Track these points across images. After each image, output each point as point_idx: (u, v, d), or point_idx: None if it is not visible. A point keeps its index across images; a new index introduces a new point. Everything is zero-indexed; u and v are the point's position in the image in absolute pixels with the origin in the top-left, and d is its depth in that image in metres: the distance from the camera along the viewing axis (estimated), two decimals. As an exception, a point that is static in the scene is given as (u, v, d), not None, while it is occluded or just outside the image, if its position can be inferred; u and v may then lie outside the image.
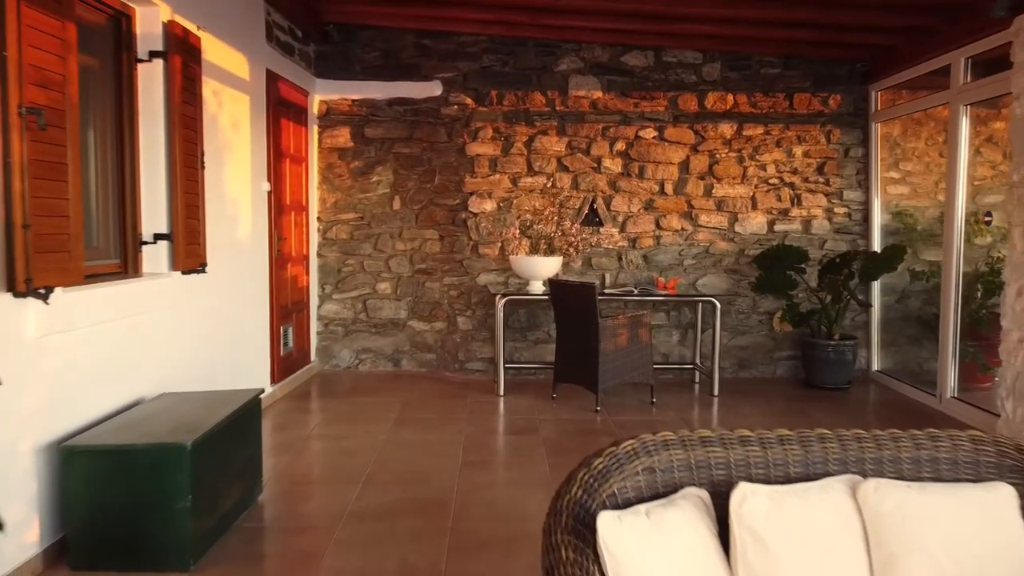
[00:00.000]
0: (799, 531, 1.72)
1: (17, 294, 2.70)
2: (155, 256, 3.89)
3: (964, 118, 5.33)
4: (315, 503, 3.77)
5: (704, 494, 1.80)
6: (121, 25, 3.73)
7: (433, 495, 3.78)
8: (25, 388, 2.78)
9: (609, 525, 1.59)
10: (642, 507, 1.69)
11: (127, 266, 3.80)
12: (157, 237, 3.87)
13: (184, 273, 4.03)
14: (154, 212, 3.88)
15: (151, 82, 3.84)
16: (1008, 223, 4.57)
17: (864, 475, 1.85)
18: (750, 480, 1.82)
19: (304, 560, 3.08)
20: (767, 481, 1.83)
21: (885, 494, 1.76)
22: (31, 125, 2.70)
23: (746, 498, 1.72)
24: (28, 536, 2.85)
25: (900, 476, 1.87)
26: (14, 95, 2.63)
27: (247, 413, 3.51)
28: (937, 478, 1.88)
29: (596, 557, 1.58)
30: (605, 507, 1.68)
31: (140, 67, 3.81)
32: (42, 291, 2.79)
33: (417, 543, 3.22)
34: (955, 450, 1.91)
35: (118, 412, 3.37)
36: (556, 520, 1.68)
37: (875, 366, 6.64)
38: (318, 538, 3.28)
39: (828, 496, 1.78)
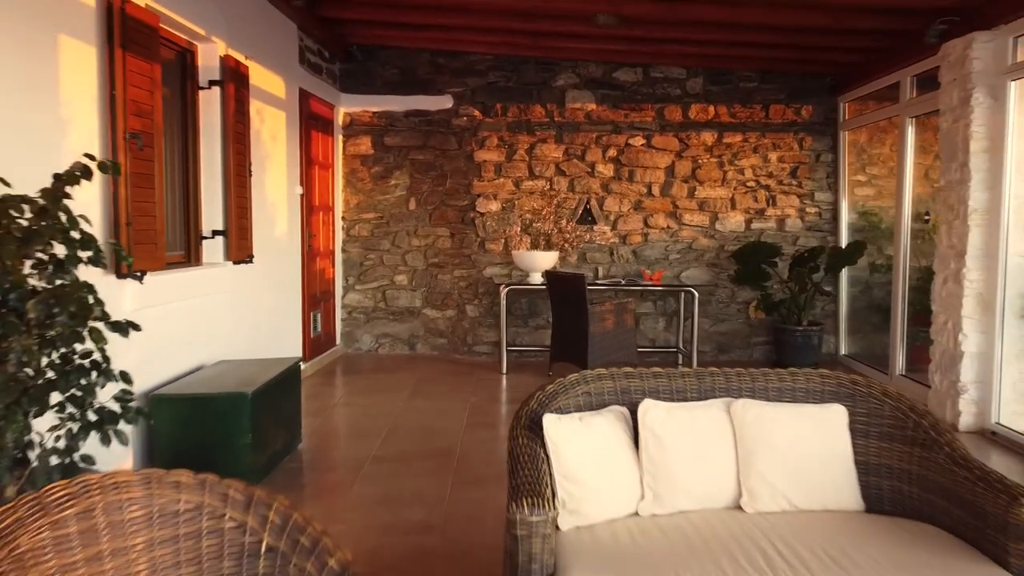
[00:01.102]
0: (686, 433, 2.48)
1: (120, 275, 3.52)
2: (213, 249, 4.71)
3: (910, 128, 6.05)
4: (344, 451, 4.58)
5: (624, 410, 2.57)
6: (186, 59, 4.55)
7: (442, 446, 4.58)
8: (125, 351, 3.59)
9: (551, 422, 2.37)
10: (576, 414, 2.47)
11: (190, 256, 4.62)
12: (215, 233, 4.69)
13: (235, 263, 4.86)
14: (212, 212, 4.70)
15: (210, 105, 4.66)
16: (937, 221, 5.30)
17: (739, 398, 2.61)
18: (658, 402, 2.58)
19: (338, 489, 3.89)
20: (670, 401, 2.59)
21: (748, 408, 2.52)
22: (132, 146, 3.52)
23: (649, 409, 2.49)
24: (125, 467, 3.68)
25: (765, 399, 2.63)
26: (120, 124, 3.45)
27: (290, 375, 4.32)
28: (793, 401, 2.64)
29: (543, 443, 2.36)
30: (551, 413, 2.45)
31: (201, 93, 4.63)
32: (138, 274, 3.61)
33: (428, 478, 4.02)
34: (807, 382, 2.67)
35: (187, 374, 4.19)
36: (517, 422, 2.47)
37: (843, 350, 7.37)
38: (348, 474, 4.08)
39: (709, 410, 2.54)
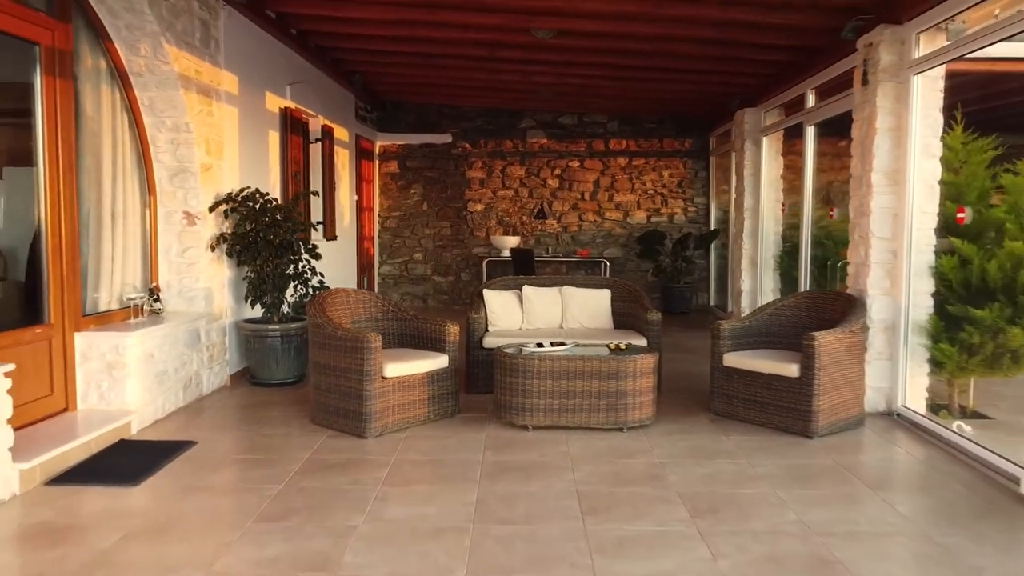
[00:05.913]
0: (542, 298, 6.19)
1: (287, 242, 7.24)
2: (317, 231, 8.42)
3: (734, 159, 9.73)
4: (391, 342, 8.31)
5: (519, 290, 6.29)
6: (305, 127, 8.26)
7: (444, 340, 8.29)
8: (288, 278, 7.29)
9: (487, 292, 6.11)
10: (497, 290, 6.20)
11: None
12: (318, 222, 8.40)
13: (328, 240, 8.57)
14: (316, 210, 8.41)
15: (316, 152, 8.37)
16: (736, 217, 9.01)
17: (565, 286, 6.32)
18: (532, 286, 6.28)
19: (391, 352, 7.62)
20: (538, 287, 6.29)
21: (568, 290, 6.24)
22: (294, 178, 7.23)
23: (526, 288, 6.20)
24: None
25: (576, 288, 6.32)
26: (290, 168, 7.17)
27: (363, 298, 8.05)
28: (588, 288, 6.33)
29: (483, 299, 6.08)
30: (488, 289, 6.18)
31: (312, 146, 8.34)
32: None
33: (437, 349, 7.73)
34: (598, 282, 6.37)
35: (309, 297, 7.90)
36: (473, 295, 6.20)
37: (712, 302, 11.06)
38: (395, 348, 7.80)
39: (553, 290, 6.26)
